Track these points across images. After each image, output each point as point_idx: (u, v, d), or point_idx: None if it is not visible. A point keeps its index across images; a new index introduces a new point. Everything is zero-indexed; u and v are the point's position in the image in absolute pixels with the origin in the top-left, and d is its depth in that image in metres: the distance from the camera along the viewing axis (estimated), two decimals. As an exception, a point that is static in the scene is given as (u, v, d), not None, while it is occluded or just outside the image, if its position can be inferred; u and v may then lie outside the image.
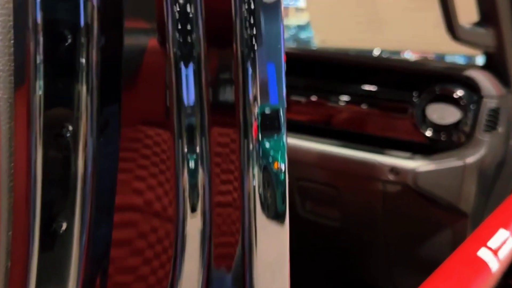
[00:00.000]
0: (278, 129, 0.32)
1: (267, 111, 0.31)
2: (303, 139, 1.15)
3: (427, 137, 1.01)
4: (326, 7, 1.28)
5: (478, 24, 0.97)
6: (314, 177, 1.18)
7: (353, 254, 1.25)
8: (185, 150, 0.28)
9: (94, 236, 0.27)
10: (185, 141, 0.28)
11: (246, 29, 0.29)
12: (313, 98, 1.16)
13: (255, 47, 0.29)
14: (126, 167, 0.27)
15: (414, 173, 0.99)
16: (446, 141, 1.00)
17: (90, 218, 0.26)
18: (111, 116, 0.26)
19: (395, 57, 1.22)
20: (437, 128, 1.00)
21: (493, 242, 0.68)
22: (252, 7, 0.29)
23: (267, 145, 0.31)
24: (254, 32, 0.29)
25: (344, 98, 1.12)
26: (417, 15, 1.14)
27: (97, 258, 0.27)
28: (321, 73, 1.19)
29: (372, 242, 1.19)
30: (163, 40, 0.27)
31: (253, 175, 0.31)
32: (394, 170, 1.01)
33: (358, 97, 1.11)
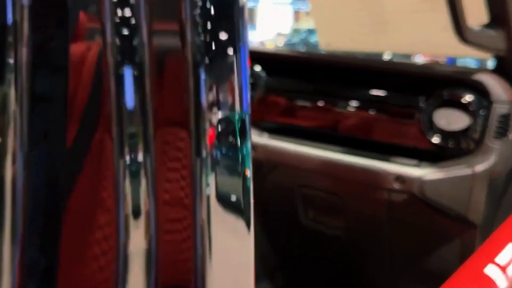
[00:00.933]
0: (238, 136, 0.30)
1: (225, 118, 0.29)
2: (306, 145, 1.11)
3: (435, 144, 0.97)
4: (330, 10, 1.25)
5: (488, 26, 0.93)
6: (317, 185, 1.14)
7: (357, 265, 1.21)
8: (127, 160, 0.26)
9: (29, 255, 0.24)
10: (126, 150, 0.26)
11: (199, 34, 0.26)
12: (318, 103, 1.12)
13: (210, 53, 0.27)
14: (70, 180, 0.25)
15: (421, 182, 0.94)
16: (454, 148, 0.96)
17: (22, 236, 0.24)
18: (51, 125, 0.24)
19: (401, 60, 1.18)
20: (445, 134, 0.96)
21: (501, 258, 0.63)
22: (206, 11, 0.26)
23: (227, 153, 0.29)
24: (208, 38, 0.27)
25: (349, 103, 1.08)
26: (424, 17, 1.10)
27: (33, 270, 0.25)
28: (325, 77, 1.15)
29: (377, 253, 1.15)
30: (104, 45, 0.25)
31: (207, 185, 0.28)
32: (399, 178, 0.97)
33: (363, 102, 1.07)
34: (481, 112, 0.94)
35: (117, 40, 0.25)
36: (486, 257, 0.66)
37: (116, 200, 0.26)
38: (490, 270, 0.59)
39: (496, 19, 0.92)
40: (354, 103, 1.07)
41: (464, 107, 0.95)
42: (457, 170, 0.94)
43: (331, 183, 1.11)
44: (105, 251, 0.26)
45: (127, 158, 0.26)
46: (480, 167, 0.92)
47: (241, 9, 0.28)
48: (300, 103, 1.14)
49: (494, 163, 0.92)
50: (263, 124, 1.21)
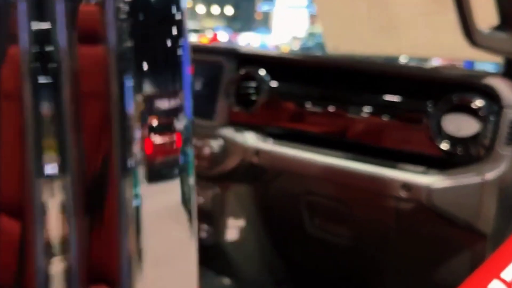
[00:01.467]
0: (178, 144, 0.28)
1: (161, 126, 0.27)
2: (311, 151, 1.09)
3: (443, 150, 0.94)
4: (338, 13, 1.22)
5: (498, 28, 0.89)
6: (323, 192, 1.12)
7: (363, 274, 1.17)
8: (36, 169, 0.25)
9: None
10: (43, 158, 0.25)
11: (124, 40, 0.24)
12: (324, 108, 1.09)
13: (139, 59, 0.25)
14: None
15: (428, 190, 0.91)
16: (464, 155, 0.92)
17: None
18: None
19: (409, 64, 1.14)
20: (453, 140, 0.93)
21: (507, 273, 0.60)
22: (133, 15, 0.25)
23: (163, 161, 0.28)
24: (132, 43, 0.25)
25: (355, 108, 1.06)
26: (433, 19, 1.07)
27: None
28: (331, 81, 1.12)
29: (384, 262, 1.12)
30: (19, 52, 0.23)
31: (136, 196, 0.27)
32: (406, 186, 0.93)
33: (369, 107, 1.04)
34: (492, 118, 0.90)
35: (34, 47, 0.24)
36: (491, 272, 0.63)
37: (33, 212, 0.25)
38: (495, 286, 0.56)
39: (507, 21, 0.88)
40: (360, 108, 1.05)
41: (474, 112, 0.91)
42: (466, 178, 0.90)
43: (337, 190, 1.08)
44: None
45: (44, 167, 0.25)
46: (490, 175, 0.89)
47: (170, 10, 0.27)
48: (305, 108, 1.12)
49: (505, 170, 0.89)
50: (268, 129, 1.18)
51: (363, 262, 1.17)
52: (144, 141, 0.28)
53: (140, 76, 0.26)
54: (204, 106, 1.30)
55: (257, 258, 1.31)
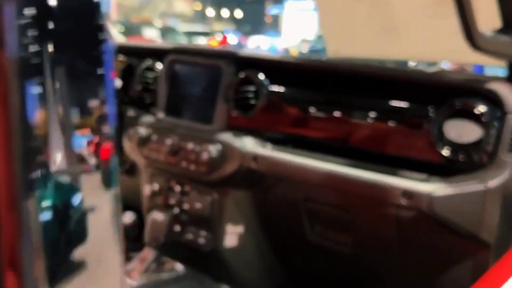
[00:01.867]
0: (94, 153, 0.27)
1: (82, 132, 0.26)
2: (310, 157, 1.06)
3: (444, 157, 0.91)
4: (338, 16, 1.20)
5: (501, 31, 0.87)
6: (323, 199, 1.09)
7: (365, 282, 1.15)
8: None
9: None
10: None
11: (26, 46, 0.23)
12: (323, 112, 1.07)
13: (53, 65, 0.23)
14: None
15: (429, 198, 0.88)
16: (466, 161, 0.89)
17: None
18: None
19: (410, 67, 1.12)
20: (455, 147, 0.90)
21: (511, 284, 0.58)
22: (38, 18, 0.23)
23: (80, 169, 0.26)
24: (40, 48, 0.23)
25: (354, 113, 1.03)
26: (436, 21, 1.04)
27: None
28: (330, 85, 1.10)
29: (386, 270, 1.09)
30: None
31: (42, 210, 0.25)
32: (406, 194, 0.91)
33: (369, 112, 1.01)
34: (495, 124, 0.87)
35: None
36: (494, 282, 0.60)
37: None
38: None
39: (510, 23, 0.85)
40: (360, 113, 1.02)
41: (476, 118, 0.89)
42: (469, 186, 0.87)
43: (338, 197, 1.06)
44: None
45: None
46: (493, 183, 0.86)
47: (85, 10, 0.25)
48: (305, 113, 1.10)
49: (509, 178, 0.86)
50: (267, 134, 1.16)
51: (364, 269, 1.14)
52: (66, 150, 0.26)
53: (52, 82, 0.24)
54: (202, 110, 1.28)
55: (257, 264, 1.29)
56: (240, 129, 1.19)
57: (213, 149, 1.17)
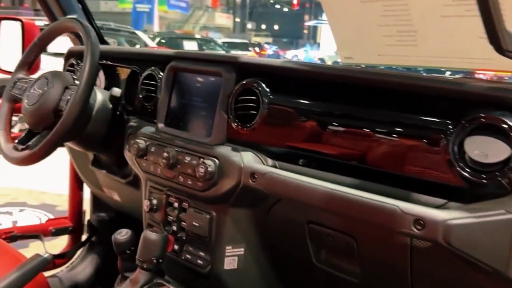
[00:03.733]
0: None
1: None
2: (312, 175, 0.94)
3: (465, 178, 0.78)
4: (350, 19, 1.08)
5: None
6: (327, 223, 0.97)
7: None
8: None
9: None
10: None
11: None
12: (327, 125, 0.96)
13: None
14: None
15: (446, 227, 0.75)
16: (490, 185, 0.76)
17: None
18: None
19: (425, 75, 0.98)
20: (478, 167, 0.76)
21: None
22: None
23: None
24: None
25: (363, 126, 0.91)
26: (457, 22, 0.91)
27: None
28: (338, 95, 0.98)
29: None
30: None
31: None
32: (419, 221, 0.77)
33: (380, 125, 0.89)
34: None
35: None
36: None
37: None
38: None
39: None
40: (367, 127, 0.90)
41: (504, 134, 0.75)
42: (494, 214, 0.73)
43: (342, 222, 0.94)
44: None
45: None
46: None
47: None
48: (309, 126, 0.98)
49: None
50: (268, 148, 1.05)
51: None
52: None
53: None
54: (202, 121, 1.18)
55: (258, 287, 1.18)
56: (240, 142, 1.08)
57: (210, 164, 1.07)
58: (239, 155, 1.05)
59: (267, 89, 1.05)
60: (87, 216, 1.97)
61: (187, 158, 1.13)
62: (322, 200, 0.88)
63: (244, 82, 1.08)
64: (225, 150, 1.08)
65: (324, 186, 0.88)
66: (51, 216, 3.59)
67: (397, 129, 0.87)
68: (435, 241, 0.76)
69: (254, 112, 1.06)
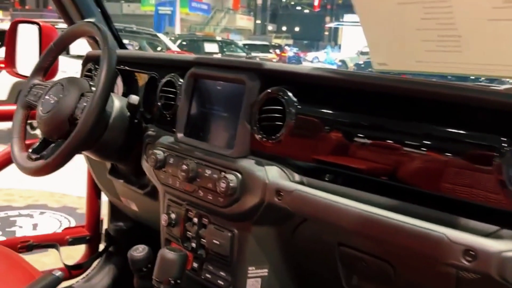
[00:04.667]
0: None
1: None
2: (345, 194, 0.86)
3: None
4: (386, 22, 0.99)
5: None
6: (361, 247, 0.88)
7: None
8: None
9: None
10: None
11: None
12: (363, 139, 0.87)
13: None
14: None
15: (501, 260, 0.65)
16: None
17: None
18: None
19: (475, 84, 0.88)
20: None
21: None
22: None
23: None
24: None
25: (403, 140, 0.82)
26: (508, 28, 0.81)
27: None
28: (373, 105, 0.90)
29: None
30: None
31: None
32: (470, 252, 0.68)
33: (422, 140, 0.80)
34: None
35: None
36: None
37: None
38: None
39: None
40: (410, 141, 0.81)
41: None
42: None
43: (378, 246, 0.85)
44: None
45: None
46: None
47: None
48: (340, 138, 0.90)
49: None
50: (295, 162, 0.97)
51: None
52: None
53: None
54: (223, 132, 1.11)
55: None
56: (264, 156, 1.01)
57: (232, 178, 0.99)
58: (264, 170, 0.97)
59: (294, 98, 0.97)
60: (105, 225, 1.92)
61: (208, 172, 1.06)
62: (357, 223, 0.79)
63: (269, 91, 1.00)
64: (248, 164, 1.00)
65: (358, 207, 0.80)
66: (71, 219, 3.59)
67: (441, 144, 0.78)
68: (488, 275, 0.67)
69: (280, 123, 0.97)
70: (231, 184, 0.99)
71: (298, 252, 1.04)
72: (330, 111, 0.93)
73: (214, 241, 1.07)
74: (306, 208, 0.88)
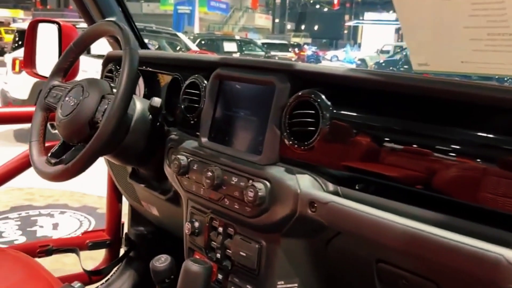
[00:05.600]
0: None
1: None
2: (385, 206, 0.79)
3: None
4: (427, 19, 0.91)
5: None
6: (404, 264, 0.81)
7: None
8: None
9: None
10: None
11: None
12: (404, 145, 0.80)
13: None
14: None
15: None
16: None
17: None
18: None
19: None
20: None
21: None
22: None
23: None
24: None
25: (446, 147, 0.75)
26: None
27: None
28: (414, 108, 0.82)
29: None
30: None
31: None
32: None
33: (468, 147, 0.73)
34: None
35: None
36: None
37: None
38: None
39: None
40: (454, 149, 0.74)
41: None
42: None
43: (422, 264, 0.77)
44: None
45: None
46: None
47: None
48: (379, 145, 0.83)
49: None
50: (326, 170, 0.90)
51: None
52: None
53: None
54: (248, 136, 1.05)
55: None
56: (294, 163, 0.94)
57: (260, 187, 0.93)
58: (295, 178, 0.90)
59: (328, 102, 0.90)
60: (125, 229, 1.87)
61: (234, 179, 1.00)
62: (403, 241, 0.72)
63: (300, 94, 0.94)
64: (278, 172, 0.93)
65: (404, 223, 0.73)
66: (92, 219, 3.58)
67: (488, 152, 0.70)
68: None
69: (312, 128, 0.91)
70: (259, 193, 0.92)
71: (330, 267, 0.97)
72: (368, 116, 0.86)
73: (241, 252, 1.01)
74: (344, 223, 0.81)
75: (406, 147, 0.79)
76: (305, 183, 0.89)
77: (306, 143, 0.91)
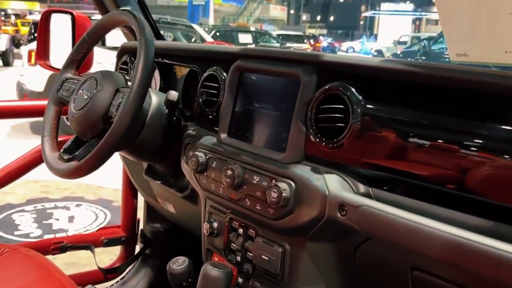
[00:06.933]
0: None
1: None
2: (420, 210, 0.72)
3: None
4: (467, 5, 0.83)
5: None
6: (438, 271, 0.74)
7: None
8: None
9: None
10: None
11: None
12: (437, 141, 0.73)
13: None
14: None
15: None
16: None
17: None
18: None
19: None
20: None
21: None
22: None
23: None
24: None
25: (482, 144, 0.67)
26: None
27: None
28: (449, 102, 0.75)
29: None
30: None
31: None
32: None
33: (503, 144, 0.65)
34: None
35: None
36: None
37: None
38: None
39: None
40: (489, 145, 0.66)
41: None
42: None
43: (464, 274, 0.71)
44: None
45: None
46: None
47: None
48: (416, 143, 0.76)
49: None
50: (356, 170, 0.84)
51: None
52: None
53: None
54: (271, 133, 0.98)
55: None
56: (321, 161, 0.88)
57: (285, 188, 0.87)
58: (322, 179, 0.84)
59: (359, 96, 0.83)
60: (141, 225, 1.83)
61: (256, 178, 0.93)
62: (446, 251, 0.65)
63: (328, 87, 0.87)
64: (304, 171, 0.87)
65: (447, 231, 0.66)
66: (107, 212, 3.56)
67: None
68: None
69: (341, 124, 0.84)
70: (283, 194, 0.86)
71: (359, 273, 0.90)
72: (402, 111, 0.79)
73: (263, 256, 0.95)
74: (378, 228, 0.75)
75: (445, 145, 0.72)
76: (334, 184, 0.83)
77: (334, 140, 0.84)
